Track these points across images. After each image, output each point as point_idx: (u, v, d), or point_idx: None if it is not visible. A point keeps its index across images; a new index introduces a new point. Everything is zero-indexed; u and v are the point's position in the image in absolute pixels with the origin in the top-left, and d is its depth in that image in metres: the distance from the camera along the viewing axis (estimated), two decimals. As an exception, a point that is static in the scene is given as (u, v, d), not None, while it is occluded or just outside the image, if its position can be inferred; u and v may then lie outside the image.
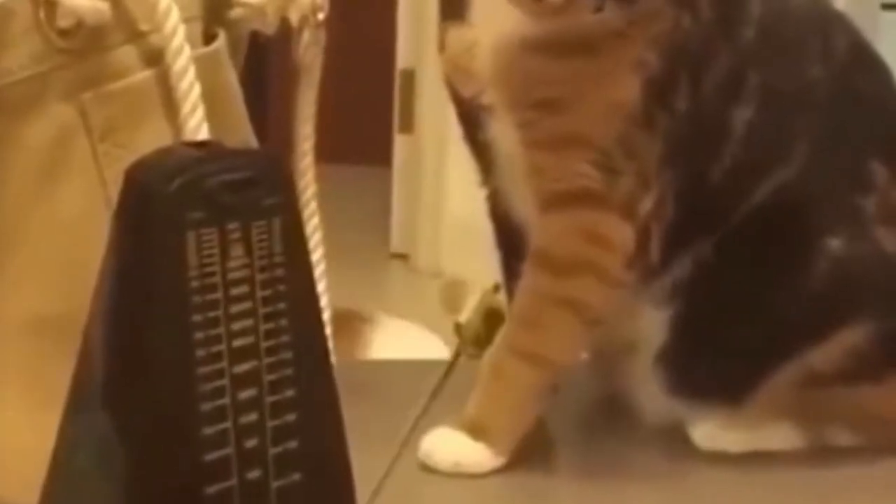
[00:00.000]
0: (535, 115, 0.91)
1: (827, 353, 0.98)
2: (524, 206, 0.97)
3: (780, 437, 1.01)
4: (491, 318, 1.04)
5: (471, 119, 0.96)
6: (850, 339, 0.97)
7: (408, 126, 2.41)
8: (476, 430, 0.93)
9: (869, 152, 0.99)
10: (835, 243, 0.97)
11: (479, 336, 1.04)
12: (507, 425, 0.94)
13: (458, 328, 0.96)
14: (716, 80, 0.94)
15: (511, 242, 1.00)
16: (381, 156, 3.25)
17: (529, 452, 0.94)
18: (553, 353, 0.95)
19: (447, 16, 0.94)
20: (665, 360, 0.97)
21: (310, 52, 0.87)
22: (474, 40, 0.92)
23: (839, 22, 1.01)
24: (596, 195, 0.92)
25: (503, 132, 0.93)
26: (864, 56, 1.01)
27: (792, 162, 0.96)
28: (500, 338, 0.96)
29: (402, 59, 2.39)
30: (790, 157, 0.96)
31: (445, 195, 2.95)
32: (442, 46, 0.95)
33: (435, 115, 2.20)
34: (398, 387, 1.04)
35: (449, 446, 0.93)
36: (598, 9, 0.86)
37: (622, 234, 0.93)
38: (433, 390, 0.99)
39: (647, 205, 0.93)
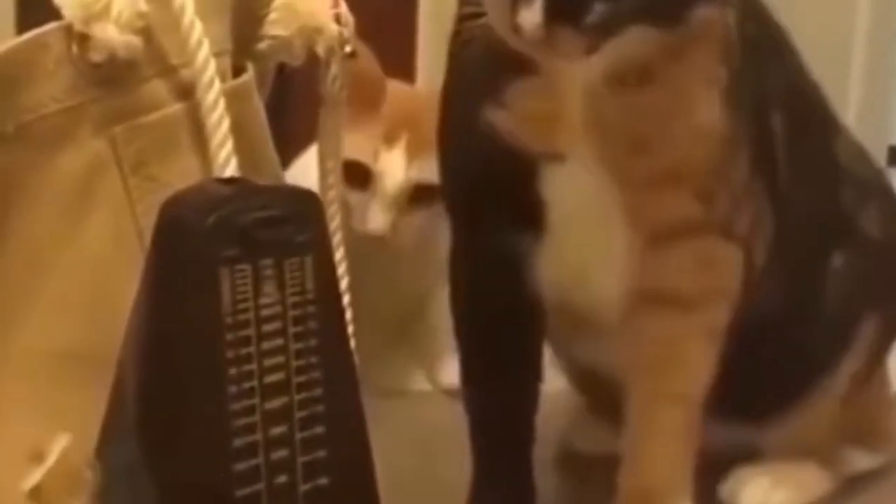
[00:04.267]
0: (628, 155, 0.87)
1: (853, 359, 0.99)
2: (584, 260, 0.92)
3: (813, 482, 1.02)
4: None
5: (525, 176, 0.90)
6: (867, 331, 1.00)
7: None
8: (651, 493, 0.91)
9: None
10: (837, 259, 0.98)
11: None
12: (681, 476, 0.91)
13: None
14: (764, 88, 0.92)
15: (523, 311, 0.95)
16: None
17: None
18: (699, 386, 0.91)
19: (509, 71, 0.88)
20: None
21: (336, 85, 0.87)
22: (552, 90, 0.87)
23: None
24: (697, 223, 0.89)
25: (579, 181, 0.89)
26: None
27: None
28: (636, 388, 0.92)
29: (423, 81, 2.40)
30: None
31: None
32: (502, 103, 0.89)
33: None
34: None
35: None
36: (591, 50, 0.80)
37: (731, 253, 0.91)
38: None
39: (745, 221, 0.91)
